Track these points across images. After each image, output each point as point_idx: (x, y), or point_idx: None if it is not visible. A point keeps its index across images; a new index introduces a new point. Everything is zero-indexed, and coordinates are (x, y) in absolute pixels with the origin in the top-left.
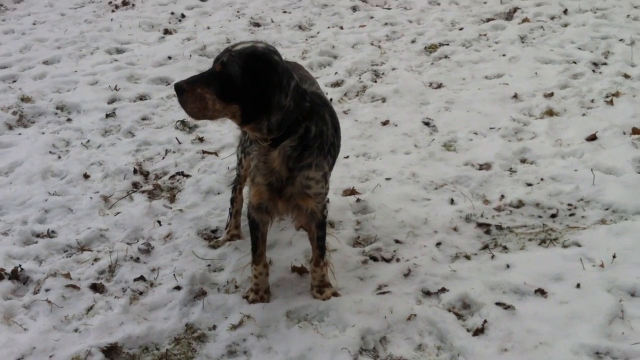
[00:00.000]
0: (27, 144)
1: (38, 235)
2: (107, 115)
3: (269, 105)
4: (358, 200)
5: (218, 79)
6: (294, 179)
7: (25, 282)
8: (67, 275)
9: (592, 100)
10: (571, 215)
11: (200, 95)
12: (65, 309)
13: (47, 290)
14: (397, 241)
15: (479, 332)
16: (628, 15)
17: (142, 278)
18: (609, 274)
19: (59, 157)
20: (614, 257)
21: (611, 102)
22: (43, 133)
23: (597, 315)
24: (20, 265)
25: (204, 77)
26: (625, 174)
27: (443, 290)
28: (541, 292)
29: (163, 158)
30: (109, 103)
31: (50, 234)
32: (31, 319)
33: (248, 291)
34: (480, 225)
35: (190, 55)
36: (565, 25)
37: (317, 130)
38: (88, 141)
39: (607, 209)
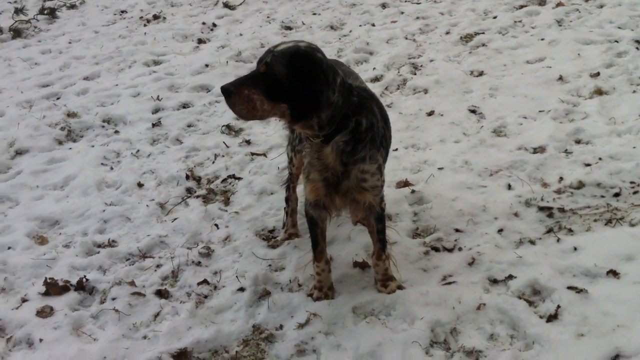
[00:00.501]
0: (78, 157)
1: (99, 246)
2: (154, 125)
3: (318, 102)
4: (413, 191)
5: (263, 79)
6: (349, 173)
7: (91, 292)
8: (132, 283)
9: None
10: (635, 193)
11: (248, 96)
12: (132, 317)
13: (113, 299)
14: (457, 230)
15: (552, 318)
16: None
17: (205, 281)
18: None
19: (111, 168)
20: None
21: None
22: (93, 146)
23: None
24: (85, 276)
25: (249, 78)
26: None
27: (510, 277)
28: (613, 273)
29: (213, 162)
30: (153, 113)
31: (111, 244)
32: (100, 328)
33: (311, 289)
34: (541, 209)
35: (227, 62)
36: (601, 7)
37: (368, 124)
38: (138, 151)
39: None
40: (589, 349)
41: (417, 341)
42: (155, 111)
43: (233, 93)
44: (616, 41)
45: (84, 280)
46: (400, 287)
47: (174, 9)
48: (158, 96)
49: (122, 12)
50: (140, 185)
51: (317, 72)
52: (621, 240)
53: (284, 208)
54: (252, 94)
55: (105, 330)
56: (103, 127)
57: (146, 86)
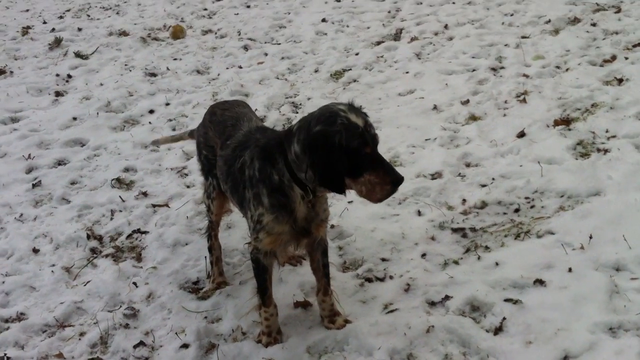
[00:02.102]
0: None
1: (7, 320)
2: (34, 185)
3: None
4: (332, 226)
5: None
6: (318, 210)
7: None
8: (60, 355)
9: (506, 102)
10: (532, 207)
11: None
12: None
13: None
14: (383, 259)
15: (498, 330)
16: (503, 23)
17: (142, 343)
18: (591, 254)
19: None
20: (590, 237)
21: (524, 100)
22: None
23: (598, 294)
24: (5, 354)
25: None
26: (565, 161)
27: (447, 297)
28: (540, 282)
29: (111, 219)
30: (27, 173)
31: (20, 317)
32: None
33: (259, 335)
34: (455, 230)
35: (98, 114)
36: (451, 39)
37: None
38: (21, 215)
39: (562, 196)
40: (540, 355)
41: None
42: (29, 171)
43: None
44: (474, 70)
45: (6, 358)
46: (347, 321)
47: (19, 62)
48: (29, 155)
49: None
50: (35, 250)
51: None
52: (535, 251)
53: (208, 258)
54: None
55: None
56: None
57: (12, 145)
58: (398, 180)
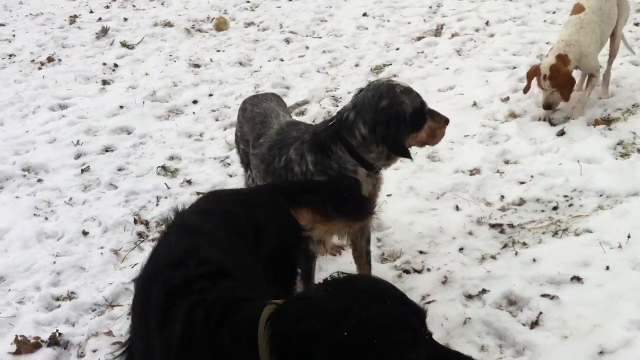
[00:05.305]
0: (6, 209)
1: (58, 299)
2: (83, 171)
3: None
4: None
5: None
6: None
7: (66, 347)
8: (110, 333)
9: None
10: (570, 205)
11: None
12: None
13: (94, 351)
14: (421, 252)
15: (534, 324)
16: (545, 20)
17: None
18: (629, 253)
19: (46, 219)
20: (628, 237)
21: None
22: (17, 197)
23: (635, 292)
24: (57, 330)
25: None
26: (604, 161)
27: (484, 291)
28: (577, 279)
29: (157, 205)
30: (76, 158)
31: (71, 295)
32: None
33: None
34: (493, 226)
35: (144, 102)
36: (492, 36)
37: None
38: (71, 199)
39: (600, 196)
40: (575, 349)
41: None
42: (78, 156)
43: None
44: (514, 67)
45: (57, 334)
46: None
47: (67, 50)
48: (78, 141)
49: (10, 55)
50: (85, 233)
51: None
52: (573, 249)
53: None
54: None
55: None
56: (24, 176)
57: (60, 131)
58: (447, 120)
